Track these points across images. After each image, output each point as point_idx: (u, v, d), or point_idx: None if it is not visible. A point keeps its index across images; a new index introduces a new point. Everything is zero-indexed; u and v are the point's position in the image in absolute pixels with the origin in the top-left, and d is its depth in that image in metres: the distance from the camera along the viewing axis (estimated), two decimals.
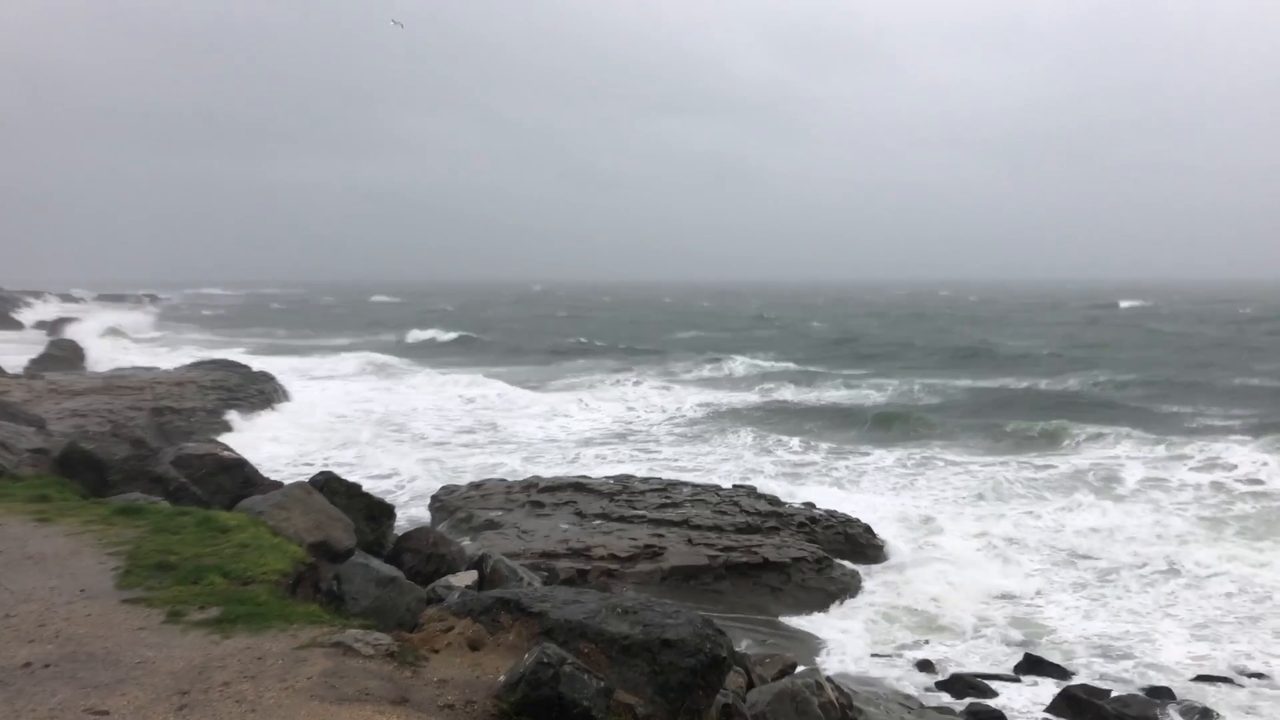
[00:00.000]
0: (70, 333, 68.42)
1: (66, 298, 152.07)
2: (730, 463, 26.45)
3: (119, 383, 34.04)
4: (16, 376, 38.31)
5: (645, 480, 21.24)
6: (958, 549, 17.88)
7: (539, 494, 19.72)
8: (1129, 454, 26.21)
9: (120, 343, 66.06)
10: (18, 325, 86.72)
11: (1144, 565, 17.17)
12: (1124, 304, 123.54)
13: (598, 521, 17.88)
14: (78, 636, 5.83)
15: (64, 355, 49.00)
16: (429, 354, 62.49)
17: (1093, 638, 14.19)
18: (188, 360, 46.86)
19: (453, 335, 75.93)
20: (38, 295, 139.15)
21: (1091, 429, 29.22)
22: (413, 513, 19.40)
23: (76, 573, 7.05)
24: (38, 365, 44.94)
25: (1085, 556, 17.84)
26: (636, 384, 43.86)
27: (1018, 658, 13.31)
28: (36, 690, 5.05)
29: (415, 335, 75.75)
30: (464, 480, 22.09)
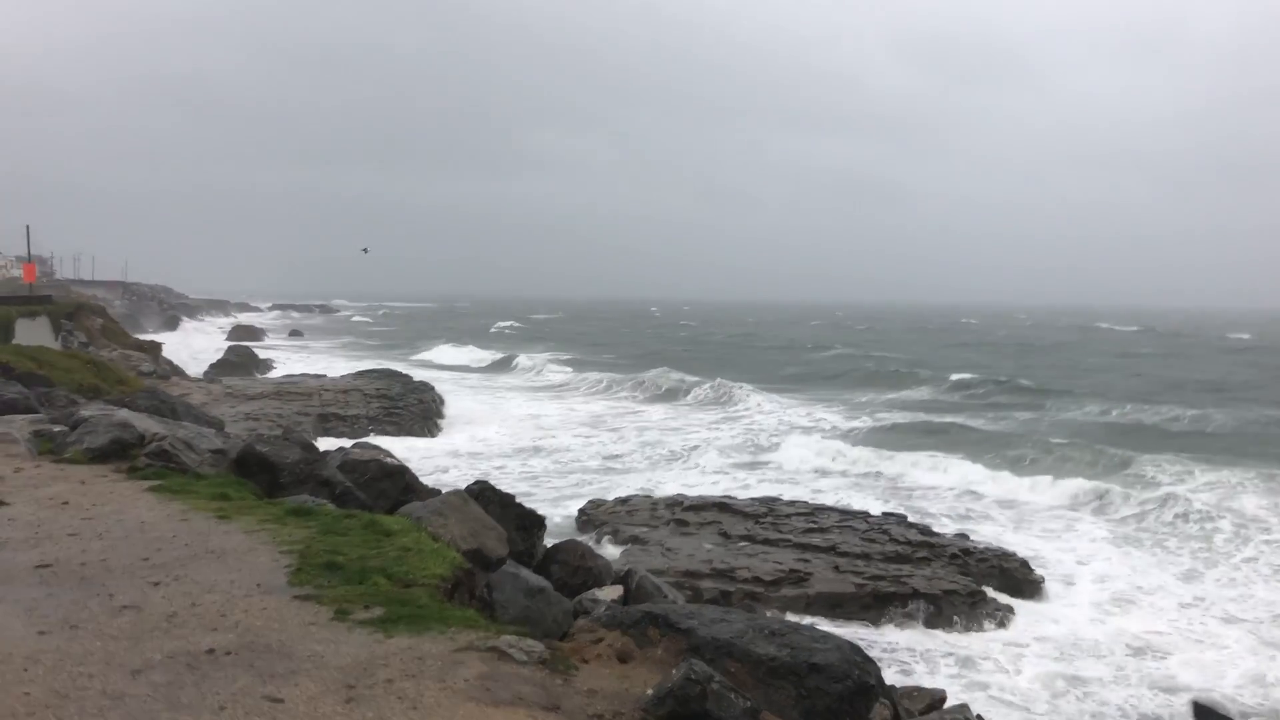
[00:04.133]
0: (249, 340, 72.77)
1: (244, 307, 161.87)
2: (882, 484, 25.96)
3: (289, 389, 36.00)
4: (197, 380, 41.00)
5: (791, 503, 21.04)
6: (1124, 590, 17.09)
7: (683, 512, 19.80)
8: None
9: (289, 350, 69.71)
10: (199, 330, 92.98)
11: None
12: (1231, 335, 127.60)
13: (742, 543, 17.82)
14: (255, 628, 6.22)
15: (239, 361, 52.15)
16: (562, 371, 63.41)
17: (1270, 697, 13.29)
18: (354, 368, 49.11)
19: (581, 354, 76.47)
20: (219, 305, 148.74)
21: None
22: (560, 524, 19.75)
23: (253, 568, 7.52)
24: (216, 370, 47.97)
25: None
26: (789, 407, 43.58)
27: (1182, 703, 12.60)
28: (220, 676, 5.43)
29: (549, 354, 76.48)
30: (610, 495, 22.37)
